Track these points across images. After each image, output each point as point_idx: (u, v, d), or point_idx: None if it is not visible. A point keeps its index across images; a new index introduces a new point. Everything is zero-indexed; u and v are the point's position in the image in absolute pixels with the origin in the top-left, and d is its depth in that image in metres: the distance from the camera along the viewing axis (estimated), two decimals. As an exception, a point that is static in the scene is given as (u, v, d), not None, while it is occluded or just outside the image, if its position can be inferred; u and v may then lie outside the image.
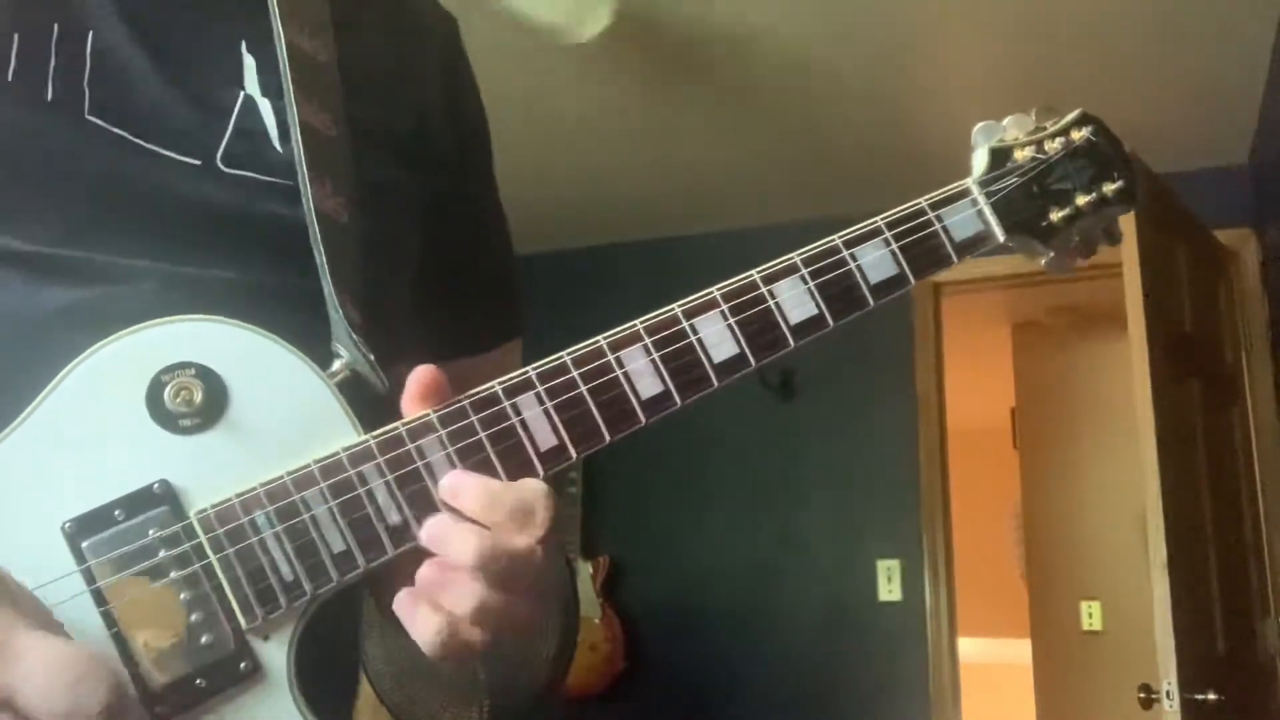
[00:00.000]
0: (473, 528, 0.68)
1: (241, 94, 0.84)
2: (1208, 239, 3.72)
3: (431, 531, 0.69)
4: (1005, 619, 6.70)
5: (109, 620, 0.64)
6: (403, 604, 0.68)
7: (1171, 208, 3.38)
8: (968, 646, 4.71)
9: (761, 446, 4.50)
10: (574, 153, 4.11)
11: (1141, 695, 3.01)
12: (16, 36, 0.77)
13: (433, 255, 0.97)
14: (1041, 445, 5.63)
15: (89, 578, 0.65)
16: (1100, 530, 5.25)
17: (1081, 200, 0.85)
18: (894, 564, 4.28)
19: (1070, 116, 0.88)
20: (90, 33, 0.80)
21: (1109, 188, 0.86)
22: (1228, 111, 3.69)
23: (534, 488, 0.70)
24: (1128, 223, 2.97)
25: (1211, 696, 2.82)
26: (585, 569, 4.45)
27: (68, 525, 0.65)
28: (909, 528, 4.27)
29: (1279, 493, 3.70)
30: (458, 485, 0.70)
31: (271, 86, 0.85)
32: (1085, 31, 3.25)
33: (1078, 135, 0.87)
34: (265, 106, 0.85)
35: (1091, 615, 5.29)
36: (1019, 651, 5.96)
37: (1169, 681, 2.75)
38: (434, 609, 0.67)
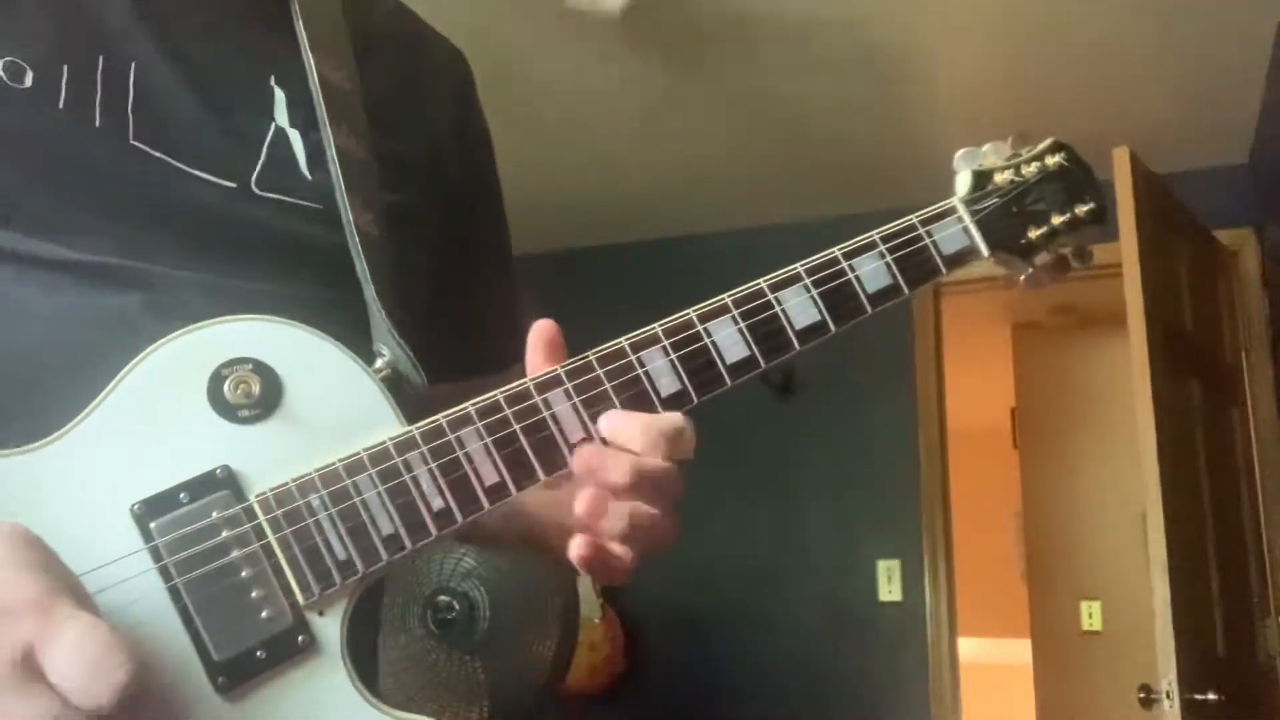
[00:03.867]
0: (623, 453, 0.76)
1: (273, 125, 0.90)
2: (1208, 239, 3.73)
3: (584, 460, 0.76)
4: (1005, 619, 6.71)
5: (175, 595, 0.68)
6: (595, 542, 0.76)
7: (1171, 208, 3.39)
8: (968, 646, 4.72)
9: (761, 446, 4.51)
10: (574, 154, 4.12)
11: (1141, 695, 3.02)
12: (66, 68, 0.82)
13: (444, 277, 1.03)
14: (1041, 445, 5.64)
15: (156, 555, 0.69)
16: (1100, 530, 5.26)
17: (1057, 220, 0.92)
18: (894, 564, 4.28)
19: (1044, 144, 0.95)
20: (132, 64, 0.85)
21: (1081, 209, 0.92)
22: (1228, 111, 3.70)
23: (679, 415, 0.78)
24: (1127, 223, 2.98)
25: (1211, 696, 2.82)
26: (586, 569, 4.45)
27: (136, 507, 0.69)
28: (909, 528, 4.28)
29: (1279, 493, 3.71)
30: (616, 424, 0.78)
31: (299, 119, 0.91)
32: (1085, 32, 3.26)
33: (1051, 161, 0.93)
34: (295, 137, 0.90)
35: (1091, 615, 5.30)
36: (1019, 651, 5.97)
37: (1169, 681, 2.76)
38: (626, 546, 0.76)
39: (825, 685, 4.25)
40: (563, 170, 4.23)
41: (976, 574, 5.77)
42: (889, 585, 4.27)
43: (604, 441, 0.78)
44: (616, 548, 0.76)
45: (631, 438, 0.77)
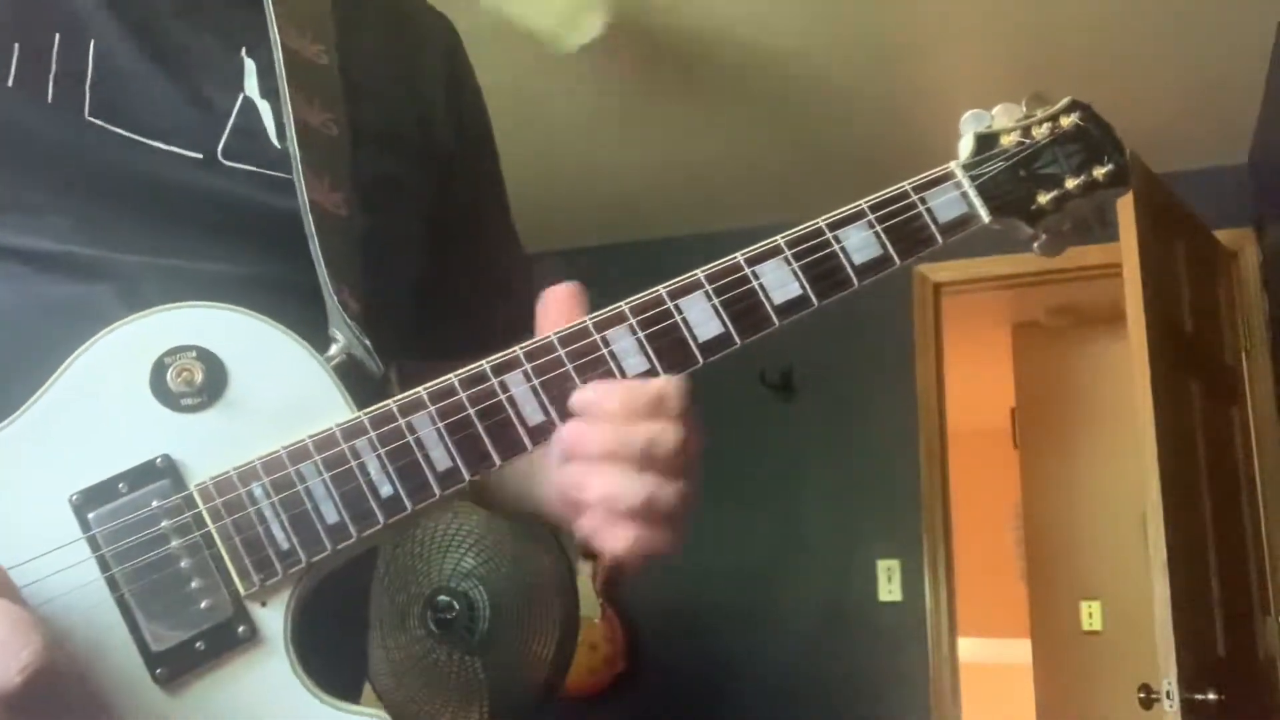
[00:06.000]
0: (603, 423, 0.73)
1: (241, 96, 0.88)
2: (1208, 239, 3.72)
3: (568, 434, 0.74)
4: (1005, 619, 6.71)
5: (112, 585, 0.67)
6: (594, 521, 0.74)
7: (1171, 208, 3.38)
8: (968, 646, 4.71)
9: (761, 446, 4.50)
10: (568, 153, 4.12)
11: (1141, 695, 3.01)
12: (17, 45, 0.81)
13: (438, 252, 1.00)
14: (1041, 445, 5.63)
15: (94, 545, 0.68)
16: (1100, 530, 5.25)
17: (1071, 183, 0.86)
18: (894, 564, 4.28)
19: (1059, 104, 0.90)
20: (92, 40, 0.83)
21: (1099, 170, 0.86)
22: (1228, 111, 3.69)
23: (661, 380, 0.75)
24: (1127, 223, 2.98)
25: (1211, 696, 2.81)
26: (585, 569, 4.45)
27: (74, 497, 0.68)
28: (909, 528, 4.27)
29: (1279, 493, 3.70)
30: (590, 398, 0.75)
31: (271, 89, 0.88)
32: (1085, 31, 3.26)
33: (1066, 121, 0.88)
34: (265, 108, 0.88)
35: (1091, 615, 5.29)
36: (1019, 651, 5.96)
37: (1169, 681, 2.75)
38: (621, 519, 0.73)
39: (825, 685, 4.24)
40: (557, 171, 4.22)
41: (976, 574, 5.77)
42: (889, 585, 4.27)
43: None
44: (629, 522, 0.73)
45: (605, 409, 0.74)
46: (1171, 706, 2.75)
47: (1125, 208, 2.98)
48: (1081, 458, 5.42)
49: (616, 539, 0.74)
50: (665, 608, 4.49)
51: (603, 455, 0.73)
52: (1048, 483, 5.55)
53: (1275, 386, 3.75)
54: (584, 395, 0.74)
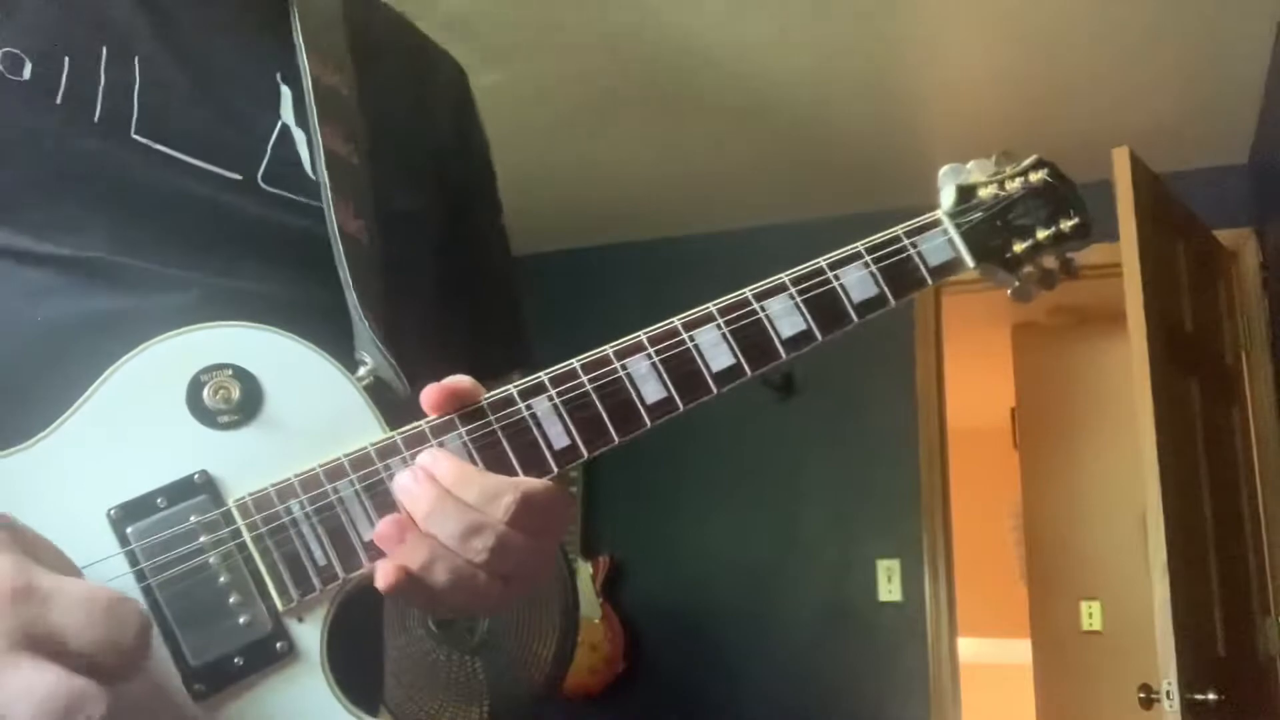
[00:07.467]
0: (434, 489, 0.72)
1: (279, 122, 0.90)
2: (1208, 239, 3.72)
3: (398, 484, 0.73)
4: (1005, 619, 6.70)
5: (152, 601, 0.68)
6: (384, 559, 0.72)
7: (1171, 208, 3.38)
8: (968, 646, 4.71)
9: (761, 446, 4.51)
10: (570, 153, 4.11)
11: (1141, 695, 3.01)
12: (67, 59, 0.81)
13: (443, 283, 1.03)
14: (1041, 445, 5.63)
15: (132, 559, 0.68)
16: (1100, 530, 5.26)
17: (1041, 234, 0.93)
18: (894, 564, 4.28)
19: (1027, 161, 0.96)
20: (137, 57, 0.84)
21: (1065, 224, 0.94)
22: (1228, 111, 3.70)
23: (509, 480, 0.74)
24: (1127, 222, 2.98)
25: (1211, 696, 2.82)
26: (585, 569, 4.46)
27: (113, 511, 0.69)
28: (909, 528, 4.27)
29: (1279, 493, 3.70)
30: (425, 461, 0.74)
31: (304, 117, 0.90)
32: (1085, 31, 3.26)
33: (1035, 177, 0.95)
34: (299, 136, 0.90)
35: (1091, 615, 5.29)
36: (1019, 651, 5.96)
37: (1169, 681, 2.75)
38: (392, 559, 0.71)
39: (825, 685, 4.24)
40: (562, 170, 4.22)
41: (976, 574, 5.77)
42: (889, 585, 4.27)
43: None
44: (426, 575, 0.71)
45: (444, 476, 0.73)
46: (1171, 706, 2.75)
47: (1125, 207, 2.98)
48: (1081, 458, 5.42)
49: (387, 574, 0.71)
50: (665, 608, 4.49)
51: (420, 516, 0.71)
52: (1048, 483, 5.55)
53: (1275, 386, 3.75)
54: (424, 457, 0.74)
